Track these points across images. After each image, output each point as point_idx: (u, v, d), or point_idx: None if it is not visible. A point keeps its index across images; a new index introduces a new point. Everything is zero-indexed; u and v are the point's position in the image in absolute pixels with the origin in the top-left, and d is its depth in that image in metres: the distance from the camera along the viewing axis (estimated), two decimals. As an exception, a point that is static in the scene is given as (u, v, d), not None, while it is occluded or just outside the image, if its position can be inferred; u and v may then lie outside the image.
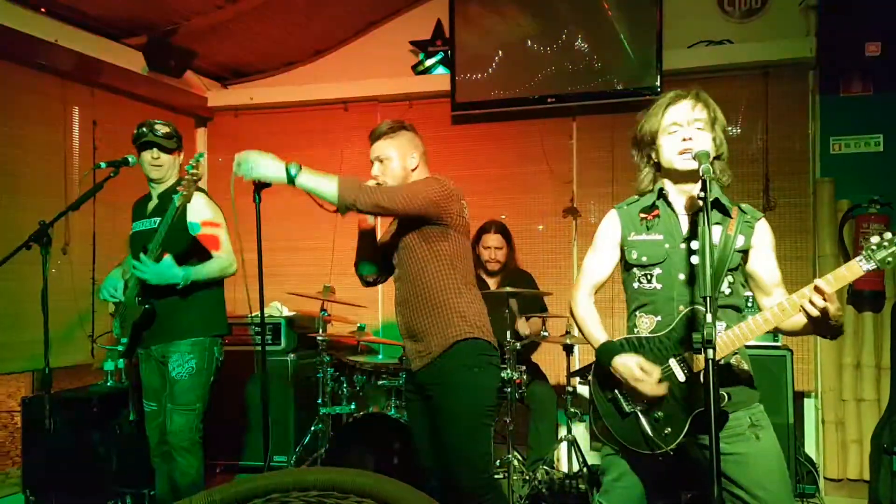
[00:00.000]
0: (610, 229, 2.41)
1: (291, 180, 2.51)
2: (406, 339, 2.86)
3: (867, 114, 4.53)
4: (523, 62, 4.92)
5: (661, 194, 2.32)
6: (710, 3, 4.83)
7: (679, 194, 2.30)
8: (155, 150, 3.30)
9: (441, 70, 5.26)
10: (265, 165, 2.53)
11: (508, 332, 3.87)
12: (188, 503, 1.07)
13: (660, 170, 2.36)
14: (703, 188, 2.01)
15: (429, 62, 5.31)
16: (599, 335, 2.37)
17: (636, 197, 2.42)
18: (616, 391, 2.30)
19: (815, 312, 1.98)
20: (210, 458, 4.66)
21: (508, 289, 3.93)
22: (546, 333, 4.34)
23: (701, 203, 2.06)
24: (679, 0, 4.81)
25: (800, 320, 2.10)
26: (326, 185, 2.54)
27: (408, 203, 2.66)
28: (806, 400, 4.57)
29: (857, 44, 4.36)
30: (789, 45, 4.55)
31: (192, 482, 3.28)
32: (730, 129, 4.74)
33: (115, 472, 4.01)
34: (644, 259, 2.28)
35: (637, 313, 2.33)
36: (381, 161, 2.84)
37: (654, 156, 2.35)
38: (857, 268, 1.98)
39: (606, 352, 2.30)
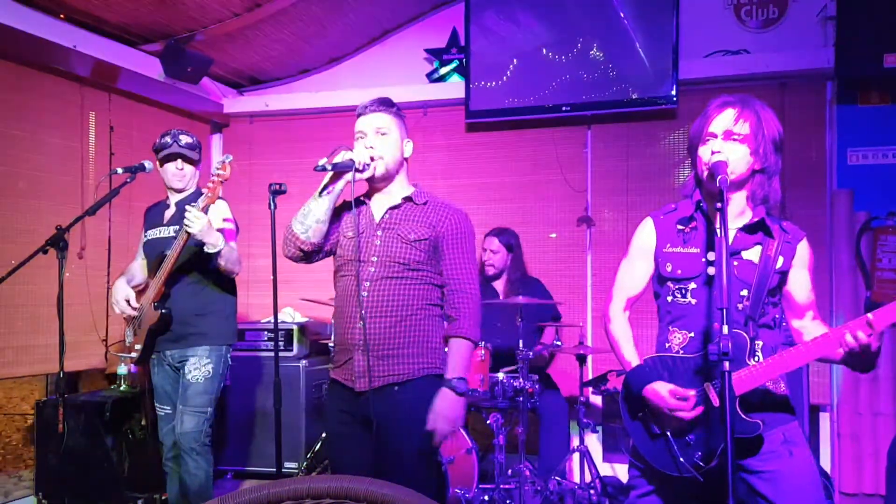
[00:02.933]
0: (645, 238, 2.32)
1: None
2: (358, 351, 2.42)
3: (885, 125, 4.50)
4: (538, 70, 4.91)
5: (699, 206, 2.24)
6: (727, 12, 4.82)
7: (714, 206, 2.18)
8: (179, 160, 3.34)
9: (456, 78, 5.27)
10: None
11: (521, 342, 3.86)
12: (202, 510, 1.07)
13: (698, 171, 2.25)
14: (720, 199, 1.99)
15: (443, 70, 5.32)
16: (632, 357, 2.27)
17: (673, 206, 2.32)
18: (645, 411, 2.24)
19: (855, 345, 1.95)
20: (221, 463, 4.70)
21: (520, 299, 3.92)
22: (559, 343, 4.32)
23: (741, 219, 2.04)
24: (696, 9, 4.80)
25: (834, 352, 2.06)
26: None
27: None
28: (821, 413, 4.53)
29: (876, 55, 4.32)
30: (807, 56, 4.52)
31: (200, 483, 3.30)
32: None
33: (128, 476, 4.02)
34: (679, 272, 2.21)
35: (670, 328, 2.25)
36: (382, 134, 2.49)
37: (694, 163, 2.25)
38: None
39: (638, 379, 2.22)
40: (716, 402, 2.10)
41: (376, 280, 2.43)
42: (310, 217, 2.46)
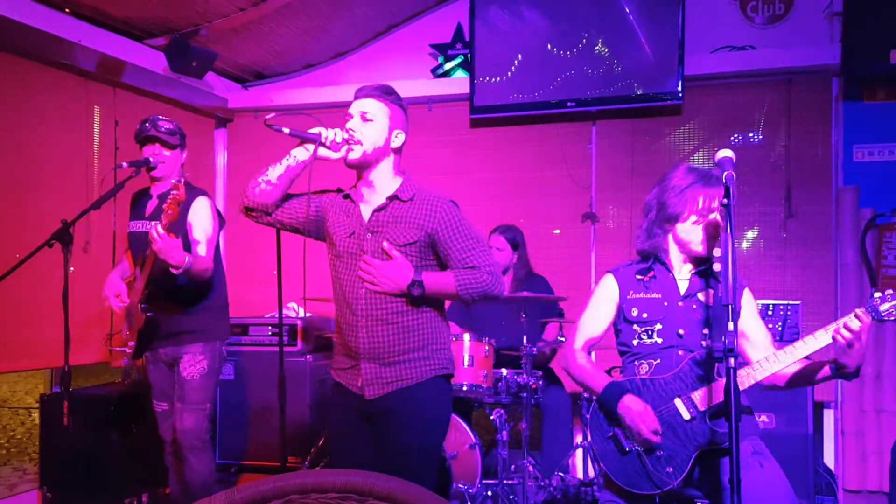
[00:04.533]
0: (608, 290, 2.52)
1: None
2: (365, 360, 2.41)
3: (891, 122, 4.48)
4: (543, 66, 4.90)
5: (658, 259, 2.44)
6: (733, 8, 4.80)
7: (678, 259, 2.44)
8: (157, 145, 3.31)
9: (460, 73, 5.27)
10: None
11: (525, 337, 3.86)
12: (209, 503, 1.07)
13: (666, 232, 2.45)
14: (727, 194, 2.01)
15: (448, 65, 5.32)
16: (601, 379, 2.43)
17: (629, 261, 2.57)
18: (616, 429, 2.35)
19: (847, 336, 2.07)
20: (225, 458, 4.71)
21: (525, 295, 3.91)
22: (563, 339, 4.31)
23: (685, 270, 2.32)
24: (702, 5, 4.78)
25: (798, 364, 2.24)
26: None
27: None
28: (825, 410, 4.52)
29: (882, 51, 4.30)
30: (813, 52, 4.51)
31: (203, 480, 3.32)
32: (751, 135, 4.71)
33: (132, 470, 4.03)
34: (645, 315, 2.40)
35: (636, 362, 2.41)
36: (364, 120, 2.42)
37: (668, 227, 2.43)
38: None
39: (613, 393, 2.35)
40: (686, 415, 2.25)
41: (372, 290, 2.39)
42: (262, 177, 2.46)
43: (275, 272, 3.69)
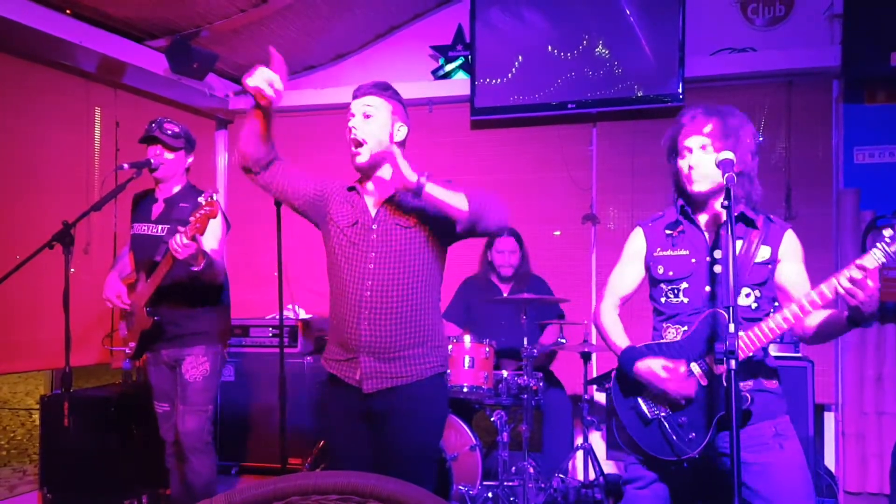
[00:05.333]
0: (636, 245, 2.46)
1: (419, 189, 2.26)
2: (364, 353, 2.40)
3: (892, 123, 4.48)
4: (543, 67, 4.91)
5: (684, 211, 2.35)
6: (733, 10, 4.80)
7: (699, 211, 2.34)
8: (159, 147, 3.31)
9: (461, 75, 5.27)
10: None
11: (525, 339, 3.86)
12: (209, 505, 1.07)
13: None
14: (727, 196, 2.01)
15: (449, 67, 5.32)
16: (621, 342, 2.39)
17: (660, 213, 2.45)
18: (638, 398, 2.31)
19: (852, 290, 2.04)
20: (225, 459, 4.71)
21: (526, 296, 3.91)
22: (564, 341, 4.32)
23: (725, 217, 2.07)
24: (702, 6, 4.79)
25: (823, 314, 2.14)
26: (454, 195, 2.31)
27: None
28: (826, 412, 4.52)
29: (883, 53, 4.30)
30: (813, 54, 4.51)
31: (206, 482, 3.32)
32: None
33: (132, 471, 4.03)
34: (671, 274, 2.32)
35: (664, 324, 2.35)
36: (366, 116, 2.42)
37: (672, 173, 2.39)
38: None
39: (629, 357, 2.32)
40: (703, 380, 2.20)
41: (378, 278, 2.38)
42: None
43: (275, 273, 3.70)
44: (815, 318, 2.17)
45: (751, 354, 2.15)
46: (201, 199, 2.85)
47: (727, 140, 2.22)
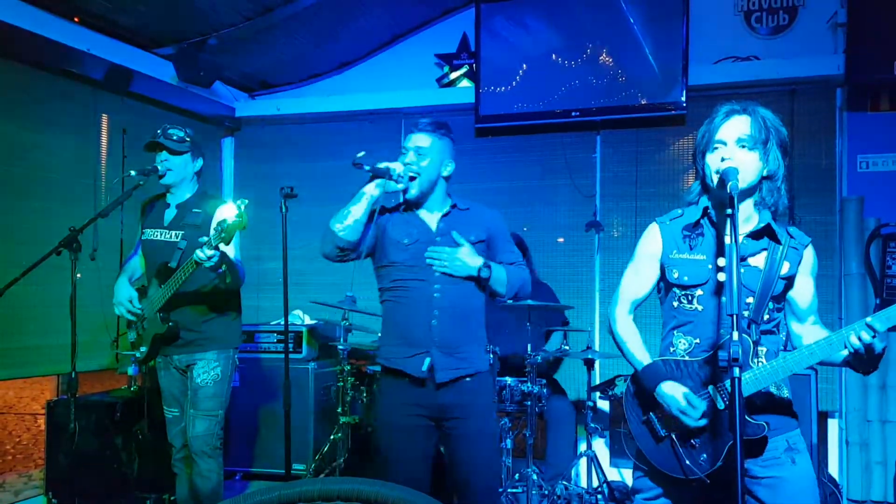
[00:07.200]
0: (651, 245, 2.31)
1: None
2: (435, 348, 2.65)
3: (895, 132, 4.48)
4: (548, 76, 4.92)
5: (706, 213, 2.24)
6: (737, 19, 4.82)
7: (723, 213, 2.17)
8: (164, 152, 3.29)
9: (466, 83, 5.29)
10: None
11: (529, 346, 3.86)
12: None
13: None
14: (731, 205, 1.99)
15: (454, 75, 5.34)
16: (642, 357, 2.28)
17: (679, 211, 2.32)
18: (651, 414, 2.25)
19: (860, 347, 1.95)
20: (230, 464, 4.71)
21: (529, 302, 3.92)
22: (567, 347, 4.32)
23: (748, 225, 2.07)
24: (706, 15, 4.80)
25: (838, 355, 2.06)
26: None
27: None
28: (830, 420, 4.51)
29: (886, 61, 4.31)
30: (817, 63, 4.52)
31: (212, 487, 3.31)
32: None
33: (137, 476, 4.04)
34: (686, 279, 2.21)
35: (675, 332, 2.26)
36: (419, 153, 2.72)
37: (701, 170, 2.24)
38: None
39: (652, 376, 2.22)
40: (720, 404, 2.12)
41: (446, 283, 2.67)
42: (349, 217, 2.65)
43: (280, 280, 3.71)
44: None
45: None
46: (228, 209, 2.90)
47: (761, 138, 2.14)
